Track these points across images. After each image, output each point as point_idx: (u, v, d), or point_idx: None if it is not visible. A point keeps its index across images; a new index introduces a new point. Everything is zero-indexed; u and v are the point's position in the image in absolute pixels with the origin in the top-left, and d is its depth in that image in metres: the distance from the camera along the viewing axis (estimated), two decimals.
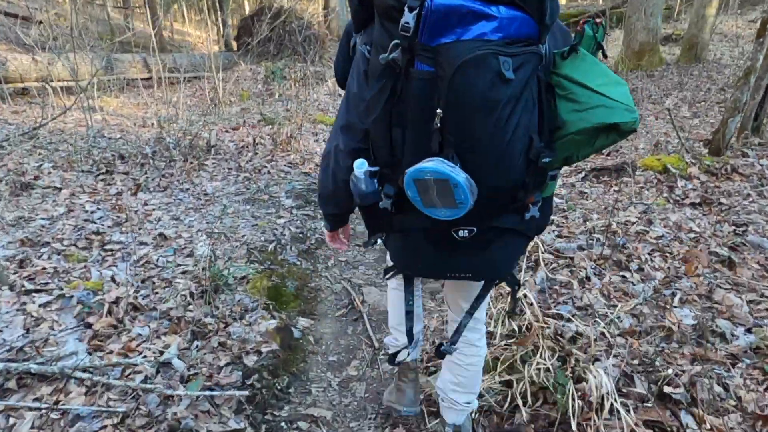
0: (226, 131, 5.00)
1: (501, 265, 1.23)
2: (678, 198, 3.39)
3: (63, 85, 7.40)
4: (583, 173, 3.80)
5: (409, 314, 1.47)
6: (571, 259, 2.61)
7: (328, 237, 1.46)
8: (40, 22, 8.25)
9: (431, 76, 0.90)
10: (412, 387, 1.81)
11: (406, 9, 0.87)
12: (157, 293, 2.32)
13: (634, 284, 2.35)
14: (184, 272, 2.48)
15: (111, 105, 7.82)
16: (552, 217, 3.10)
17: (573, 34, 1.12)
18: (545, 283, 2.43)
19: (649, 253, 2.60)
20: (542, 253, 2.64)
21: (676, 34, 12.70)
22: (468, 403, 1.59)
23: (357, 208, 1.20)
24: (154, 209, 3.28)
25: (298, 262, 2.92)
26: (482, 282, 1.33)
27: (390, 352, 1.72)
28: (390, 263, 1.44)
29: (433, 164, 0.91)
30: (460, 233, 1.05)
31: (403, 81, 0.94)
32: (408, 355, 1.70)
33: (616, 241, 2.68)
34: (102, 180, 3.75)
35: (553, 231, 2.95)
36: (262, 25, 11.85)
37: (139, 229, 2.98)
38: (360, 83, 1.09)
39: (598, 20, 1.13)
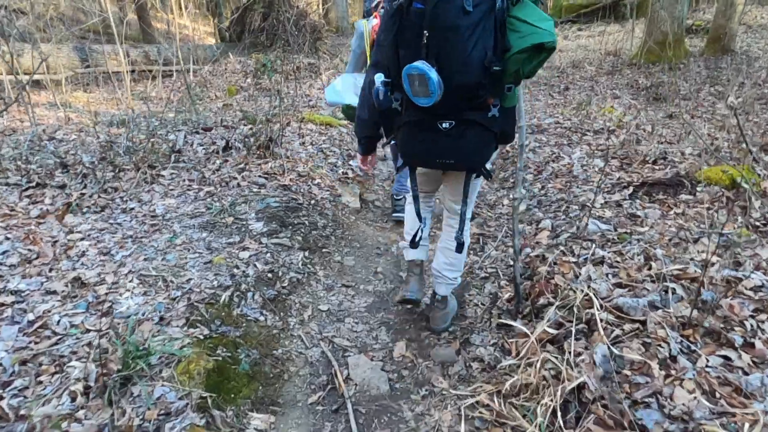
0: (197, 132, 4.24)
1: (474, 152, 1.68)
2: (759, 223, 2.62)
3: (39, 79, 6.69)
4: (631, 188, 3.03)
5: (417, 215, 1.97)
6: (642, 323, 1.84)
7: (360, 160, 2.06)
8: (18, 11, 7.49)
9: (421, 11, 1.46)
10: (417, 279, 2.28)
11: None
12: (40, 384, 1.57)
13: (745, 373, 1.59)
14: (88, 345, 1.73)
15: (81, 101, 7.06)
16: (602, 254, 2.34)
17: None
18: (610, 363, 1.67)
19: (752, 315, 1.83)
20: (598, 311, 1.88)
21: (696, 24, 11.87)
22: (454, 278, 2.22)
23: None
24: (80, 239, 2.52)
25: (262, 318, 2.15)
26: (463, 177, 1.85)
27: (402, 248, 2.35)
28: (400, 162, 1.84)
29: (417, 63, 1.46)
30: (443, 125, 1.58)
31: (404, 16, 1.51)
32: (418, 237, 2.12)
33: (702, 295, 1.91)
34: (28, 196, 2.99)
35: (607, 274, 2.18)
36: (255, 14, 11.10)
37: (51, 270, 2.23)
38: (382, 30, 1.66)
39: None
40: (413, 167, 1.88)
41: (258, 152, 3.67)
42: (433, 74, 1.42)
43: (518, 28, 1.44)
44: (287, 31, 10.45)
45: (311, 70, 8.11)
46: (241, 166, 3.51)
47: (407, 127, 1.66)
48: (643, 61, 8.63)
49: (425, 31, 1.43)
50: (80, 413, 1.46)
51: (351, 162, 4.07)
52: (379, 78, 1.59)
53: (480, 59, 1.44)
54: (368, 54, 2.39)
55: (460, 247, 1.95)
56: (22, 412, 1.45)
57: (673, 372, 1.60)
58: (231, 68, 8.61)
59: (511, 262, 2.56)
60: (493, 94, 1.55)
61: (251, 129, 4.25)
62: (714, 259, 2.22)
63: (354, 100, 2.30)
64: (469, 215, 2.07)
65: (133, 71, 8.94)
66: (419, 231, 2.07)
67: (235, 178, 3.33)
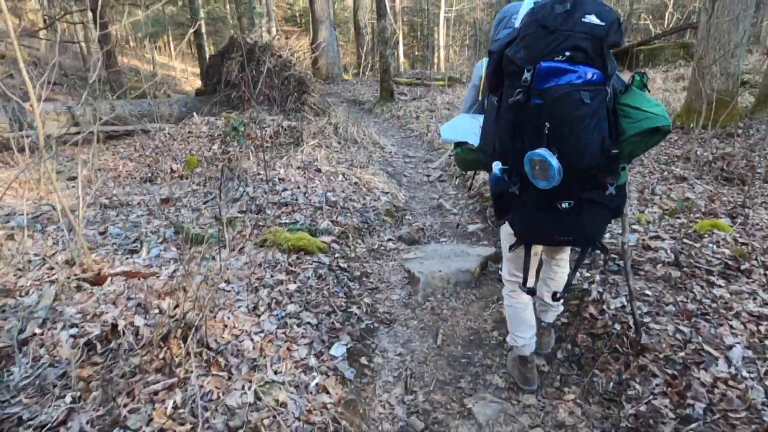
0: (79, 285, 2.60)
1: (592, 229, 1.74)
2: None
3: None
4: None
5: (526, 280, 1.99)
6: None
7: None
8: None
9: (540, 106, 1.53)
10: (532, 372, 2.31)
11: (525, 70, 1.53)
12: None
13: None
14: None
15: None
16: None
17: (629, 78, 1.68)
18: None
19: None
20: None
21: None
22: (559, 305, 2.43)
23: None
24: None
25: None
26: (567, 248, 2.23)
27: (517, 345, 2.26)
28: (511, 241, 1.93)
29: (540, 151, 1.53)
30: (563, 205, 1.64)
31: (522, 111, 1.58)
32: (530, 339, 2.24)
33: None
34: None
35: None
36: (232, 63, 9.70)
37: None
38: (490, 122, 1.81)
39: (641, 71, 1.67)
40: (528, 246, 1.92)
41: (153, 361, 1.98)
42: (554, 161, 1.50)
43: (630, 114, 1.57)
44: (268, 85, 9.03)
45: (291, 135, 6.57)
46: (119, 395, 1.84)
47: (525, 208, 1.72)
48: (690, 125, 7.22)
49: (546, 123, 1.52)
50: None
51: (332, 351, 2.43)
52: (497, 166, 1.69)
53: (598, 145, 1.53)
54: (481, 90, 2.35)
55: (559, 299, 2.10)
56: None
57: None
58: (197, 130, 7.07)
59: None
60: (610, 174, 1.63)
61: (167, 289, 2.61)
62: None
63: (474, 139, 2.16)
64: (567, 269, 2.31)
65: (77, 133, 7.43)
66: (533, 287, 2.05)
67: None
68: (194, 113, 7.78)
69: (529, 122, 1.55)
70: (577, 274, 2.68)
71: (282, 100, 8.89)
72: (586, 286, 2.78)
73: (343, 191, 4.62)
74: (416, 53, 27.71)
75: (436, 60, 21.35)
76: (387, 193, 4.97)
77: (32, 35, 14.38)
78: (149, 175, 5.91)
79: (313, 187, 4.56)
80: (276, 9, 29.54)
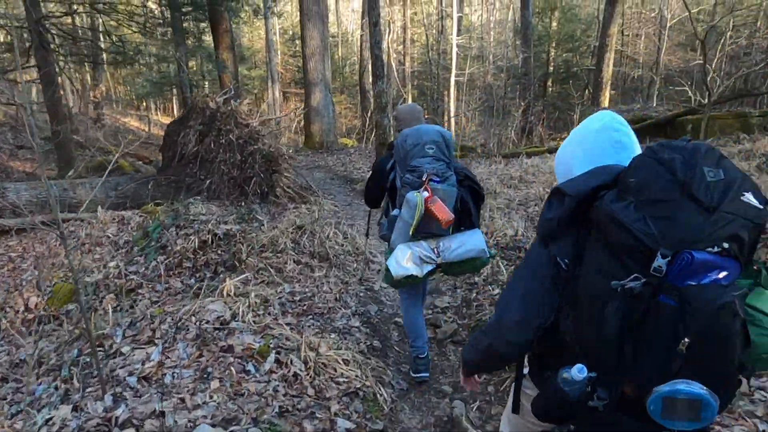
0: None
1: None
2: None
3: None
4: None
5: None
6: None
7: (464, 380, 1.59)
8: None
9: (676, 309, 1.02)
10: None
11: (659, 255, 1.01)
12: None
13: None
14: None
15: None
16: None
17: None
18: None
19: None
20: None
21: None
22: None
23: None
24: None
25: None
26: None
27: None
28: None
29: (688, 387, 1.02)
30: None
31: (643, 309, 1.05)
32: None
33: None
34: None
35: None
36: (189, 133, 7.69)
37: None
38: (543, 285, 1.20)
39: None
40: None
41: None
42: (714, 399, 1.01)
43: (761, 322, 1.04)
44: (229, 162, 6.94)
45: (228, 247, 4.32)
46: None
47: (602, 426, 1.20)
48: None
49: (686, 338, 1.03)
50: None
51: None
52: (582, 372, 1.11)
53: (735, 369, 1.07)
54: (415, 226, 2.43)
55: None
56: None
57: None
58: (100, 233, 4.87)
59: None
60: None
61: None
62: None
63: (418, 271, 2.37)
64: None
65: None
66: None
67: None
68: (99, 208, 5.59)
69: (654, 330, 1.06)
70: None
71: (242, 183, 6.76)
72: None
73: (266, 403, 2.31)
74: (425, 116, 26.26)
75: (445, 122, 19.67)
76: (358, 393, 2.63)
77: None
78: None
79: (198, 403, 2.22)
80: (283, 71, 28.64)
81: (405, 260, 2.45)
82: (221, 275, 4.06)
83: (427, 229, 2.48)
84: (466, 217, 2.66)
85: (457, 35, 19.21)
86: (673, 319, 1.04)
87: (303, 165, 10.82)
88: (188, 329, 2.88)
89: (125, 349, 2.67)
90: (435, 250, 2.53)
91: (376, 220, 3.09)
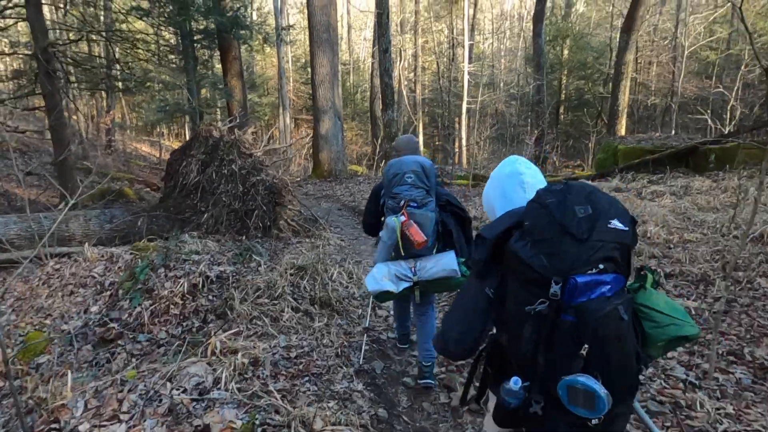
0: None
1: None
2: None
3: None
4: None
5: None
6: None
7: None
8: None
9: (575, 325, 1.27)
10: None
11: (553, 282, 1.26)
12: None
13: None
14: None
15: None
16: None
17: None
18: None
19: None
20: None
21: None
22: None
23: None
24: None
25: None
26: None
27: None
28: None
29: (584, 379, 1.24)
30: (593, 421, 1.29)
31: (550, 326, 1.29)
32: None
33: None
34: None
35: None
36: (191, 162, 7.40)
37: None
38: (476, 311, 1.46)
39: (651, 267, 1.62)
40: None
41: None
42: (602, 391, 1.23)
43: (653, 317, 1.36)
44: (231, 194, 6.61)
45: (219, 292, 3.94)
46: None
47: (546, 427, 1.41)
48: None
49: (585, 345, 1.30)
50: None
51: None
52: (516, 383, 1.36)
53: (634, 361, 1.30)
54: (401, 245, 2.67)
55: None
56: None
57: None
58: (84, 272, 4.51)
59: None
60: (637, 384, 1.44)
61: None
62: None
63: (392, 287, 2.60)
64: None
65: None
66: None
67: None
68: (85, 246, 5.25)
69: (560, 341, 1.31)
70: None
71: (244, 216, 6.41)
72: None
73: None
74: (437, 142, 25.97)
75: (457, 150, 19.38)
76: None
77: None
78: None
79: None
80: (295, 99, 28.72)
81: (382, 277, 2.69)
82: (210, 324, 3.66)
83: (406, 250, 2.74)
84: (448, 239, 2.85)
85: (469, 63, 19.10)
86: (573, 331, 1.27)
87: (310, 194, 10.49)
88: (161, 400, 2.46)
89: (83, 428, 2.26)
90: (413, 269, 2.76)
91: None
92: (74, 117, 18.78)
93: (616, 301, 1.26)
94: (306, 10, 12.12)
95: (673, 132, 16.26)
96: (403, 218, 2.66)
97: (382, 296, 2.80)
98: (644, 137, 13.59)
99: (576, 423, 1.31)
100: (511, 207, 1.50)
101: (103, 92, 16.95)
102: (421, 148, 17.97)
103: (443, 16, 24.72)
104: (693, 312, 3.77)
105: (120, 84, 13.47)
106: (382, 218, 2.95)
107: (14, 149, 15.72)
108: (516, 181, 1.60)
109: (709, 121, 14.69)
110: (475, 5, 25.19)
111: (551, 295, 1.26)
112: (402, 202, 2.74)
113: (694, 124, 18.94)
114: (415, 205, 2.73)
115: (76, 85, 10.18)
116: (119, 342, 3.56)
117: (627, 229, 1.31)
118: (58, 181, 10.14)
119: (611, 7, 22.41)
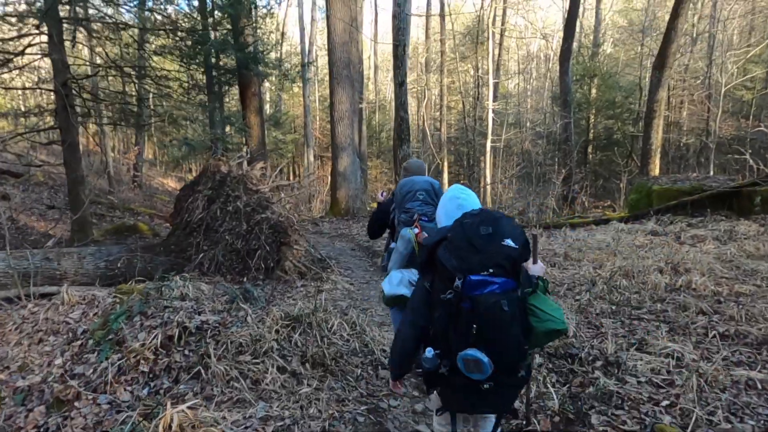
0: None
1: (506, 403, 1.99)
2: None
3: None
4: None
5: None
6: None
7: (392, 385, 2.19)
8: None
9: (469, 310, 1.73)
10: None
11: (457, 278, 1.75)
12: None
13: None
14: None
15: None
16: None
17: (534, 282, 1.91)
18: None
19: None
20: None
21: None
22: None
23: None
24: None
25: None
26: (494, 417, 2.19)
27: None
28: (439, 405, 2.10)
29: (473, 352, 1.73)
30: (485, 386, 1.81)
31: (455, 310, 1.77)
32: None
33: None
34: None
35: None
36: (198, 198, 7.08)
37: None
38: (421, 302, 1.94)
39: (543, 278, 1.94)
40: (453, 413, 2.11)
41: None
42: (485, 359, 1.72)
43: (537, 314, 1.81)
44: (234, 232, 6.21)
45: (197, 347, 3.44)
46: None
47: (453, 388, 1.90)
48: None
49: (474, 325, 1.73)
50: None
51: None
52: (430, 351, 1.85)
53: (516, 343, 1.77)
54: (417, 251, 2.92)
55: None
56: None
57: None
58: (58, 317, 4.09)
59: None
60: (523, 362, 1.85)
61: None
62: None
63: (406, 292, 2.78)
64: None
65: None
66: None
67: None
68: (64, 287, 4.86)
69: (460, 321, 1.77)
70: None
71: (246, 256, 5.98)
72: None
73: None
74: (461, 181, 25.50)
75: (481, 189, 18.83)
76: None
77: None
78: None
79: None
80: (320, 136, 28.91)
81: (397, 282, 2.88)
82: (182, 385, 3.15)
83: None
84: None
85: (494, 101, 18.78)
86: (468, 314, 1.74)
87: (325, 233, 10.06)
88: None
89: None
90: None
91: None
92: (103, 154, 19.14)
93: (501, 296, 1.73)
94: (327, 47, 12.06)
95: (711, 172, 15.40)
96: (416, 230, 2.89)
97: (395, 299, 2.94)
98: (680, 177, 12.79)
99: (473, 386, 1.81)
100: (450, 222, 1.96)
101: (130, 128, 17.21)
102: (445, 186, 17.47)
103: (468, 56, 24.69)
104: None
105: (142, 119, 13.59)
106: (387, 230, 3.61)
107: (40, 183, 15.96)
108: (455, 204, 2.14)
109: (750, 161, 13.81)
110: (500, 45, 25.16)
111: (455, 288, 1.76)
112: (414, 216, 3.08)
113: (732, 165, 17.99)
114: (426, 219, 3.04)
115: (95, 120, 10.14)
116: (76, 404, 3.07)
117: (516, 246, 1.79)
118: (71, 216, 10.02)
119: (640, 48, 21.97)
